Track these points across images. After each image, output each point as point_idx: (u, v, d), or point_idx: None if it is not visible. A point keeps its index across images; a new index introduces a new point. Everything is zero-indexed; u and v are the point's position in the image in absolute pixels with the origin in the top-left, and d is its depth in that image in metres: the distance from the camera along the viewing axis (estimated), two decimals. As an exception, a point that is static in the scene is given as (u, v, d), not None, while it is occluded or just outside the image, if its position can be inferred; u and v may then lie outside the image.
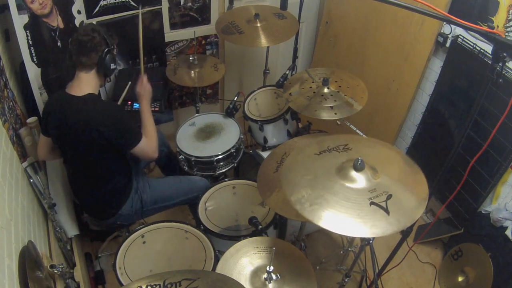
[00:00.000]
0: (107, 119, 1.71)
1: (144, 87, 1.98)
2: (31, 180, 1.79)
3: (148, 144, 1.85)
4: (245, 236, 1.82)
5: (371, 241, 1.71)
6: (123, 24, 2.45)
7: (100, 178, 1.86)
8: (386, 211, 1.20)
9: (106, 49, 1.74)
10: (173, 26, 2.67)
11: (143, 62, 2.08)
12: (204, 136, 2.41)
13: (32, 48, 2.01)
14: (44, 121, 1.84)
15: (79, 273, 1.79)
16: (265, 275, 1.41)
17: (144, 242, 1.78)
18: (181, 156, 2.31)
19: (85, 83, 1.75)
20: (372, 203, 1.21)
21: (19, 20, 1.91)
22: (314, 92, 2.04)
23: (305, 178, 1.32)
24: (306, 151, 1.44)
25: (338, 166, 1.34)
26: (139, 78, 2.01)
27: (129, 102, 2.34)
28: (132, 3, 2.42)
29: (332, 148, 1.43)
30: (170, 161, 2.45)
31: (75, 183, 1.99)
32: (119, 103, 2.24)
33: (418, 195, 1.26)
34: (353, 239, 2.31)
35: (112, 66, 1.79)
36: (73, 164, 1.91)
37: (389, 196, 1.23)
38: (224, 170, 2.34)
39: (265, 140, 2.53)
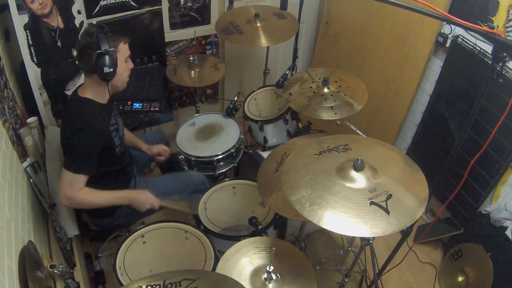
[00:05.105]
0: (78, 127, 1.64)
1: (145, 198, 1.87)
2: (31, 180, 1.79)
3: (71, 185, 1.65)
4: (245, 236, 1.82)
5: (371, 241, 1.71)
6: (123, 24, 2.45)
7: (96, 178, 1.84)
8: (386, 211, 1.20)
9: (97, 53, 1.62)
10: (173, 26, 2.67)
11: None
12: (204, 136, 2.41)
13: (32, 48, 2.01)
14: None
15: (79, 273, 1.79)
16: (265, 275, 1.41)
17: (144, 242, 1.77)
18: (181, 156, 2.31)
19: (87, 87, 1.73)
20: (372, 203, 1.22)
21: (19, 20, 1.91)
22: (314, 92, 2.04)
23: (305, 178, 1.32)
24: (306, 151, 1.44)
25: (338, 166, 1.34)
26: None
27: (129, 102, 2.34)
28: (132, 3, 2.42)
29: (332, 148, 1.44)
30: (170, 160, 2.45)
31: None
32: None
33: (418, 195, 1.26)
34: (353, 239, 2.31)
35: (106, 69, 1.62)
36: None
37: (389, 196, 1.23)
38: (224, 170, 2.35)
39: (265, 140, 2.53)
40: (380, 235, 1.15)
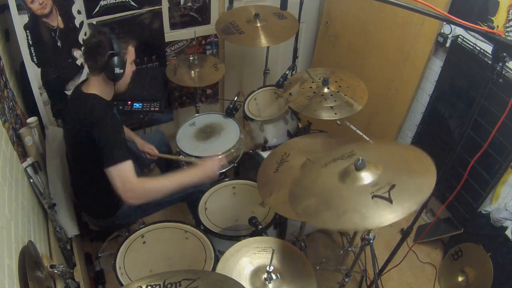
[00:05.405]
0: (95, 121, 1.63)
1: (212, 166, 1.81)
2: (31, 180, 1.79)
3: (124, 178, 1.59)
4: (245, 236, 1.82)
5: (371, 241, 1.71)
6: (123, 24, 2.45)
7: (97, 178, 1.84)
8: (389, 200, 1.17)
9: (110, 53, 1.63)
10: (173, 26, 2.68)
11: None
12: (204, 136, 2.41)
13: (32, 48, 2.01)
14: None
15: (79, 273, 1.79)
16: (265, 275, 1.40)
17: (144, 242, 1.77)
18: (181, 156, 2.31)
19: (92, 85, 1.73)
20: (374, 196, 1.19)
21: (19, 20, 1.91)
22: (314, 92, 2.04)
23: (309, 186, 1.32)
24: (312, 165, 1.43)
25: (341, 171, 1.33)
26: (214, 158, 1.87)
27: (129, 102, 2.34)
28: (132, 3, 2.42)
29: (338, 157, 1.41)
30: (170, 160, 2.45)
31: (74, 181, 1.99)
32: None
33: (424, 175, 1.19)
34: (353, 239, 2.30)
35: (117, 70, 1.65)
36: (72, 162, 1.91)
37: (392, 186, 1.19)
38: (224, 170, 2.34)
39: (265, 140, 2.53)
40: (386, 223, 1.12)
